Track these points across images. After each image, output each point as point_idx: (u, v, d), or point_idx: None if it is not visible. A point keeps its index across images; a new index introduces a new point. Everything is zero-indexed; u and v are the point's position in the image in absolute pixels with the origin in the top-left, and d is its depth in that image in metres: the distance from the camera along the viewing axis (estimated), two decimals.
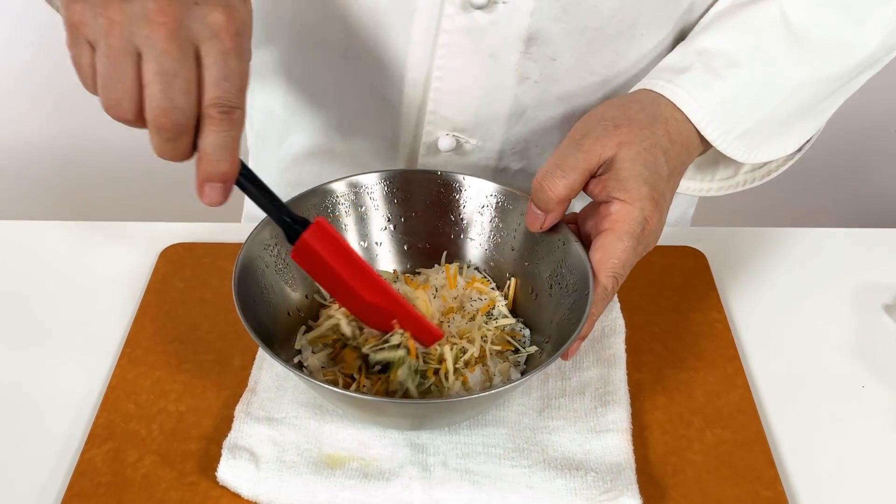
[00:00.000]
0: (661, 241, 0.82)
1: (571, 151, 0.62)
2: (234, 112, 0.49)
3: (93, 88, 0.50)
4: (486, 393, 0.58)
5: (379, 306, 0.62)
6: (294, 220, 0.59)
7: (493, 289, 0.70)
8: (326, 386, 0.57)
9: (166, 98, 0.47)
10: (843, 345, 0.73)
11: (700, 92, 0.66)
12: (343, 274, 0.60)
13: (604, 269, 0.61)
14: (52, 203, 1.75)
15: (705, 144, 0.68)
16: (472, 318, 0.67)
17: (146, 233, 0.83)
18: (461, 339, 0.65)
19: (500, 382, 0.64)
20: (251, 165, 0.91)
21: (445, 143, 0.77)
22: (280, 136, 0.87)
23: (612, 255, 0.61)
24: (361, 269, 0.61)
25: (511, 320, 0.68)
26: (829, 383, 0.70)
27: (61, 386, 0.69)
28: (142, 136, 0.50)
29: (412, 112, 0.77)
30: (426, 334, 0.63)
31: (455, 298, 0.68)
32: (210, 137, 0.49)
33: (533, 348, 0.66)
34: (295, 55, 0.80)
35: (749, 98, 0.68)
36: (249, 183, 0.55)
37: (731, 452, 0.64)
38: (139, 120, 0.49)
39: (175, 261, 0.79)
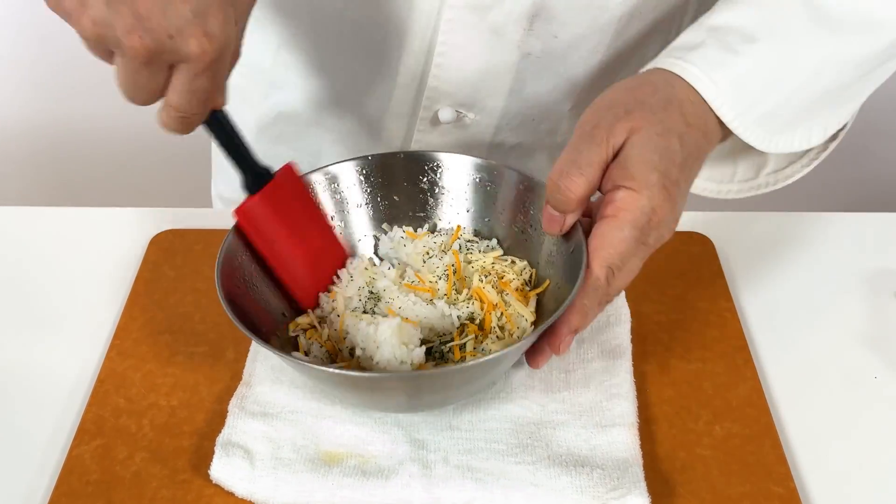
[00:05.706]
0: None
1: (585, 145, 0.58)
2: (191, 117, 0.54)
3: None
4: (481, 360, 0.55)
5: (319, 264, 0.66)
6: (256, 176, 0.61)
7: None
8: (317, 366, 0.55)
9: (135, 95, 0.53)
10: (854, 334, 0.71)
11: (714, 69, 0.61)
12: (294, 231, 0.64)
13: (598, 257, 0.57)
14: (38, 187, 1.70)
15: (724, 130, 0.63)
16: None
17: (136, 219, 0.81)
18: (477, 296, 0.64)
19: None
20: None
21: (445, 115, 0.76)
22: (265, 92, 0.84)
23: (608, 243, 0.57)
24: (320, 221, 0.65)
25: (499, 251, 0.68)
26: (840, 374, 0.68)
27: (48, 379, 0.67)
28: (132, 118, 0.49)
29: (411, 84, 0.76)
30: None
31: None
32: (164, 116, 0.54)
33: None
34: (292, 12, 0.78)
35: (767, 76, 0.62)
36: (217, 126, 0.58)
37: (740, 447, 0.62)
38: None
39: (166, 248, 0.77)
